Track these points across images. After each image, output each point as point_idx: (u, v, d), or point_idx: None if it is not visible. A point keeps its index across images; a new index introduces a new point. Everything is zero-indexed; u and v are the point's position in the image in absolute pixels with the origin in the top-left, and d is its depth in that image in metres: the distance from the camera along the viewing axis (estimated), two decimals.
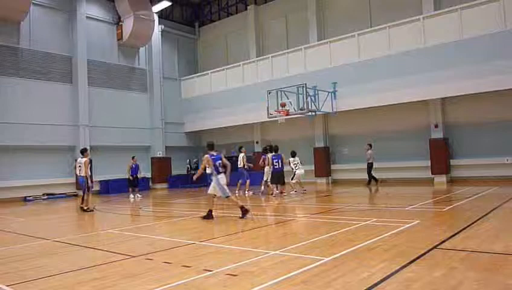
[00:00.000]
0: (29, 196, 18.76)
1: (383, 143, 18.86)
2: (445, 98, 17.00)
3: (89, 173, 12.57)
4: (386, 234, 6.29)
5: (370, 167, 17.44)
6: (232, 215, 9.69)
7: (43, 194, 19.10)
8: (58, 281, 4.65)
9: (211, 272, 4.61)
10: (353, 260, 4.88)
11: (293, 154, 15.44)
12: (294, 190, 15.21)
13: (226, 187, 9.12)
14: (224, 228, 8.30)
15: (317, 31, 21.09)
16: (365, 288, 3.82)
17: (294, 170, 15.38)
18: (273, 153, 14.72)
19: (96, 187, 21.22)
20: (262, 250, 5.65)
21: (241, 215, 8.98)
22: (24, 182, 18.56)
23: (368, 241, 5.83)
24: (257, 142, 23.68)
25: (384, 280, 4.04)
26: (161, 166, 24.20)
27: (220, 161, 9.07)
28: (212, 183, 9.13)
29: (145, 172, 23.06)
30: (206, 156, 9.10)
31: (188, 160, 25.71)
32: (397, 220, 7.60)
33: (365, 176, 17.65)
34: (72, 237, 7.93)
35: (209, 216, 9.13)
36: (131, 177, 16.62)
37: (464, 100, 16.71)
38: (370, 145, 17.61)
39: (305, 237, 6.59)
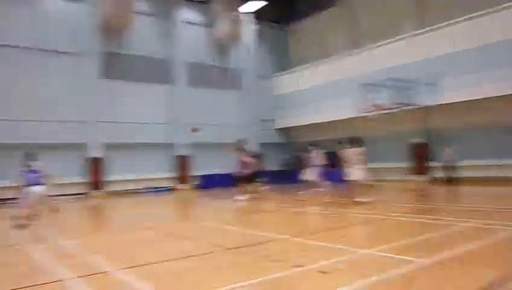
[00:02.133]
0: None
1: (497, 137, 16.89)
2: None
3: None
4: (491, 240, 5.77)
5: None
6: (309, 212, 9.65)
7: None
8: (168, 267, 5.17)
9: (301, 268, 4.69)
10: (455, 266, 4.59)
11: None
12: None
13: None
14: (315, 224, 8.33)
15: (416, 19, 19.73)
16: None
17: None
18: None
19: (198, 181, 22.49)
20: (354, 248, 5.55)
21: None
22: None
23: (471, 247, 5.40)
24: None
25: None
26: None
27: None
28: None
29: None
30: None
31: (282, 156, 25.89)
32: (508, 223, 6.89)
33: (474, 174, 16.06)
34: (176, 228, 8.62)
35: None
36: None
37: None
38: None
39: (399, 237, 6.32)
